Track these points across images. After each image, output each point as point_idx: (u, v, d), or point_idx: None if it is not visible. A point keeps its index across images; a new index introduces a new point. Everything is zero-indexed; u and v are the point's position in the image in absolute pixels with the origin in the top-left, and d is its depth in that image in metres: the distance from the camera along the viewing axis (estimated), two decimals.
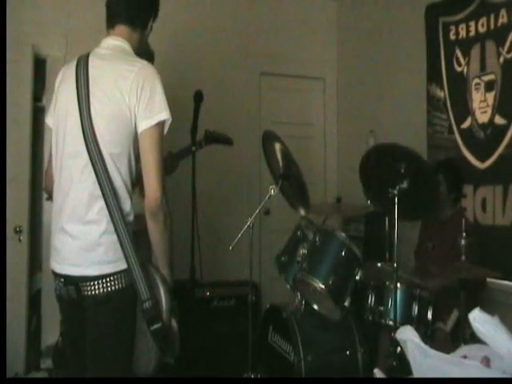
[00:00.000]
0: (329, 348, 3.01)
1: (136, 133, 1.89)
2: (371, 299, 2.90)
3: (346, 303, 2.83)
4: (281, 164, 3.20)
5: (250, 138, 4.37)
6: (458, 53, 3.59)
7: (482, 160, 3.39)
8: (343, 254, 2.86)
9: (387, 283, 2.85)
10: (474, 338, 1.42)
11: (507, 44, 3.21)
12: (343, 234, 2.99)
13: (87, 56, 1.98)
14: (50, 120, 2.07)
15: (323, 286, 2.78)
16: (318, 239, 2.94)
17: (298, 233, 3.15)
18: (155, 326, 1.80)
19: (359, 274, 2.87)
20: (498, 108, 3.29)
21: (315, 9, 4.92)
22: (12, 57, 3.64)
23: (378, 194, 2.90)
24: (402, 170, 2.68)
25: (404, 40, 4.14)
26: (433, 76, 3.81)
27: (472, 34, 3.48)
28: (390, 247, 3.05)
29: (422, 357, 1.33)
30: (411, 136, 3.78)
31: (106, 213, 1.84)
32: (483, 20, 3.38)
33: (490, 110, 3.34)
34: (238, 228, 3.10)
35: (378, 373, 1.83)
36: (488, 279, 3.08)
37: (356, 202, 3.51)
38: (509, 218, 3.18)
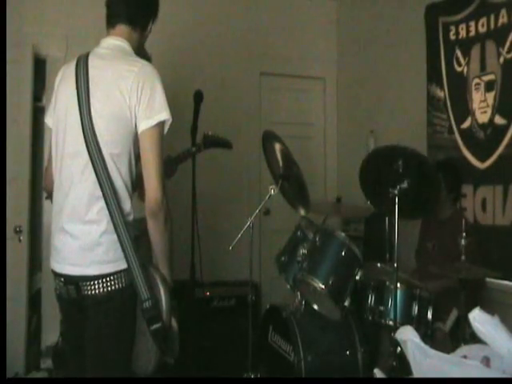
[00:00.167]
0: (329, 348, 3.01)
1: (136, 133, 1.89)
2: (371, 299, 2.89)
3: (346, 303, 2.83)
4: (281, 164, 3.20)
5: (249, 138, 4.38)
6: (458, 53, 3.58)
7: (482, 160, 3.39)
8: (343, 254, 2.86)
9: (387, 283, 2.85)
10: (474, 338, 1.43)
11: (507, 44, 3.21)
12: (343, 234, 2.98)
13: (87, 56, 1.98)
14: (49, 120, 2.06)
15: (323, 286, 2.78)
16: (318, 239, 2.94)
17: (298, 233, 3.15)
18: (155, 326, 1.80)
19: (359, 274, 2.87)
20: (498, 108, 3.29)
21: (315, 9, 4.92)
22: (12, 57, 3.64)
23: (378, 195, 2.91)
24: (401, 170, 2.69)
25: (404, 40, 4.14)
26: (433, 76, 3.81)
27: (472, 34, 3.48)
28: (390, 247, 3.04)
29: (422, 357, 1.33)
30: (411, 136, 3.78)
31: (106, 213, 1.84)
32: (483, 20, 3.38)
33: (489, 110, 3.34)
34: (238, 228, 3.10)
35: (377, 373, 1.83)
36: (488, 279, 3.08)
37: (356, 202, 3.52)
38: (509, 217, 3.18)
